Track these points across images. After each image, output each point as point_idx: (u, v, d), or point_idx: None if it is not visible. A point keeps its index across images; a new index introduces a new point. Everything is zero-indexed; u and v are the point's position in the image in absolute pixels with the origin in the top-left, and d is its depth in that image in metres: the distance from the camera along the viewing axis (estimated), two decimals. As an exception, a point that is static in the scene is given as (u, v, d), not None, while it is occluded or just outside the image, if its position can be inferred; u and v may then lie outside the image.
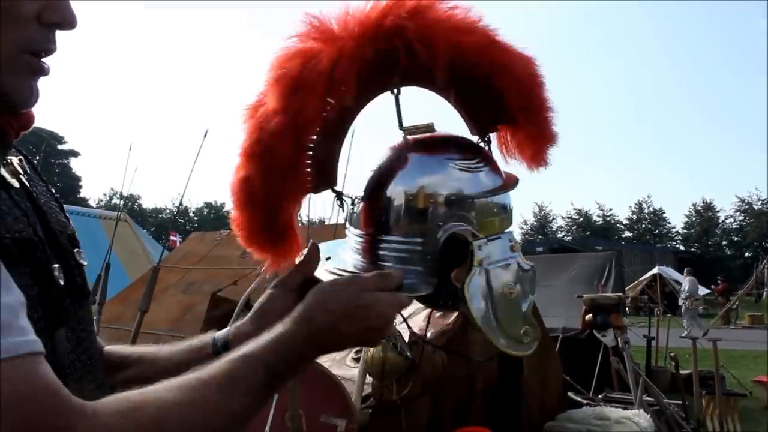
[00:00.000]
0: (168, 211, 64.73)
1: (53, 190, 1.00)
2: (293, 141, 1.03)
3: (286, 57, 1.02)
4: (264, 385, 0.87)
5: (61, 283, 0.83)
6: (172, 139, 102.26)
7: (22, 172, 0.90)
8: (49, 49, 0.85)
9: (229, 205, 1.12)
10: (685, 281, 19.36)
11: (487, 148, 1.15)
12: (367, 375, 3.14)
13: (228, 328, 1.11)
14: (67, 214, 1.00)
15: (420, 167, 1.05)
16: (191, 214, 67.08)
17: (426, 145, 1.08)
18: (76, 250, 0.93)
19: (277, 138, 1.02)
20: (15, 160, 0.89)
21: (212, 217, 65.31)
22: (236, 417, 0.85)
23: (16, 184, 0.85)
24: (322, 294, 0.96)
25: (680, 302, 19.27)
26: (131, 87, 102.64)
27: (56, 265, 0.83)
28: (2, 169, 0.83)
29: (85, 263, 0.93)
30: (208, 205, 69.10)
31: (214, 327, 1.16)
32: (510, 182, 1.12)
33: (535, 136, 1.13)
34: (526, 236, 59.51)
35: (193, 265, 5.69)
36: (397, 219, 1.05)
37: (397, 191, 1.05)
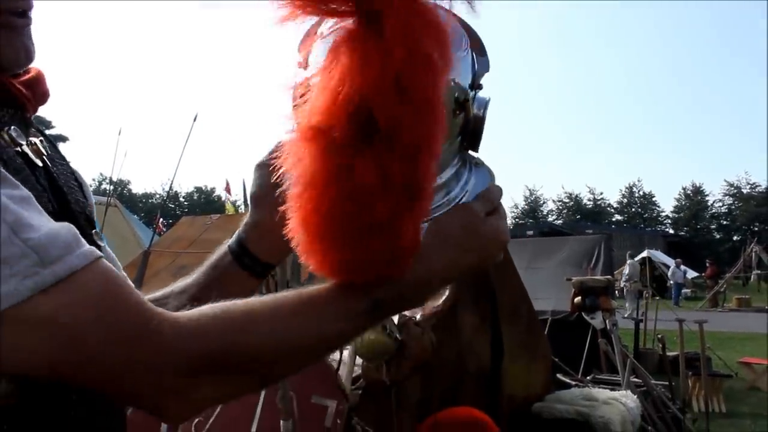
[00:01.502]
0: (158, 195, 64.48)
1: (74, 169, 1.00)
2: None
3: None
4: (367, 312, 0.80)
5: None
6: (161, 123, 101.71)
7: (44, 153, 0.89)
8: (17, 5, 0.82)
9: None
10: (627, 265, 19.68)
11: None
12: (357, 356, 3.18)
13: (241, 227, 1.04)
14: (87, 194, 1.00)
15: None
16: (181, 199, 66.89)
17: None
18: (93, 231, 0.93)
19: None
20: (36, 141, 0.88)
21: (203, 202, 65.17)
22: (331, 339, 0.80)
23: (40, 164, 0.85)
24: (437, 224, 0.85)
25: (622, 284, 19.52)
26: (120, 71, 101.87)
27: None
28: (26, 147, 0.83)
29: (102, 244, 0.92)
30: (198, 189, 68.90)
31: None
32: None
33: None
34: (517, 219, 59.74)
35: (184, 250, 5.70)
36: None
37: None
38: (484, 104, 0.92)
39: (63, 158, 0.97)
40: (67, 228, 0.69)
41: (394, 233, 0.74)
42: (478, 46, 0.93)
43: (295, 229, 0.77)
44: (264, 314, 0.76)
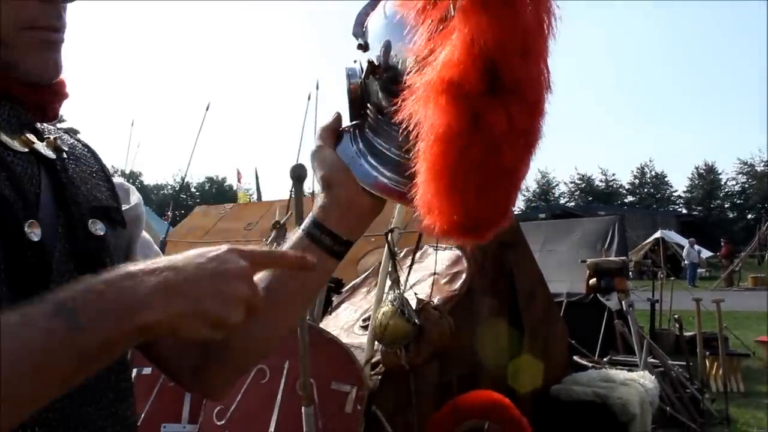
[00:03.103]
0: (170, 186, 64.71)
1: (106, 167, 1.05)
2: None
3: None
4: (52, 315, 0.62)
5: (34, 239, 0.81)
6: (169, 114, 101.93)
7: (65, 149, 0.94)
8: (52, 24, 0.86)
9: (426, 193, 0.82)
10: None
11: None
12: (376, 342, 3.18)
13: (315, 209, 1.03)
14: (125, 196, 1.05)
15: None
16: (193, 189, 67.15)
17: None
18: (91, 220, 0.94)
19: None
20: (51, 137, 0.94)
21: (214, 192, 65.39)
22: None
23: (24, 149, 0.88)
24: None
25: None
26: (130, 63, 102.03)
27: (29, 222, 0.81)
28: (4, 136, 0.86)
29: (100, 233, 0.93)
30: (210, 179, 69.12)
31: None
32: None
33: None
34: (529, 202, 59.55)
35: (199, 239, 5.72)
36: None
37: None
38: None
39: (96, 160, 1.03)
40: None
41: (515, 181, 0.83)
42: None
43: (423, 184, 0.82)
44: None
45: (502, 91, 0.76)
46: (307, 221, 1.03)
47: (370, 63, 0.92)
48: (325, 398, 3.02)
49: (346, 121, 1.03)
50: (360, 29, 0.97)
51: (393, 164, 0.95)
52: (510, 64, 0.75)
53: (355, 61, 0.98)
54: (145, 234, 1.11)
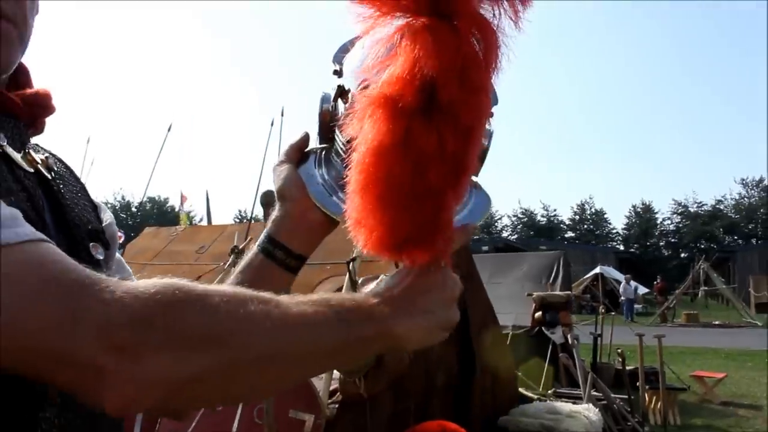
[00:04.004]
0: (109, 205, 63.11)
1: (88, 192, 1.04)
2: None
3: None
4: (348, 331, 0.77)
5: None
6: (117, 131, 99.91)
7: (55, 169, 0.94)
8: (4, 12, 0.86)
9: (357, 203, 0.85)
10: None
11: None
12: (335, 370, 3.18)
13: (268, 225, 1.07)
14: (101, 215, 1.04)
15: None
16: (133, 209, 65.70)
17: None
18: (92, 244, 0.95)
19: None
20: (42, 157, 0.93)
21: (155, 213, 64.10)
22: (326, 352, 0.76)
23: (30, 170, 0.88)
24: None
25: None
26: (80, 78, 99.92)
27: None
28: (9, 150, 0.86)
29: (100, 257, 0.94)
30: (151, 199, 67.78)
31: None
32: None
33: None
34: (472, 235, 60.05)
35: (149, 261, 5.62)
36: None
37: None
38: (490, 135, 1.02)
39: (77, 180, 1.03)
40: (9, 210, 0.67)
41: (441, 202, 0.84)
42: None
43: (352, 195, 0.84)
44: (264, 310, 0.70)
45: (437, 112, 0.79)
46: (262, 236, 1.06)
47: (340, 87, 0.98)
48: (283, 426, 3.00)
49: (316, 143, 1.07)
50: (341, 56, 1.02)
51: None
52: (447, 86, 0.78)
53: (332, 88, 1.02)
54: (118, 254, 1.11)
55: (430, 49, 0.77)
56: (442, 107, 0.79)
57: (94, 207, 1.03)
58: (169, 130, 3.76)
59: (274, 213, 1.06)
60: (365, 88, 0.84)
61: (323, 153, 1.05)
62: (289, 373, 0.77)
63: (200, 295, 0.66)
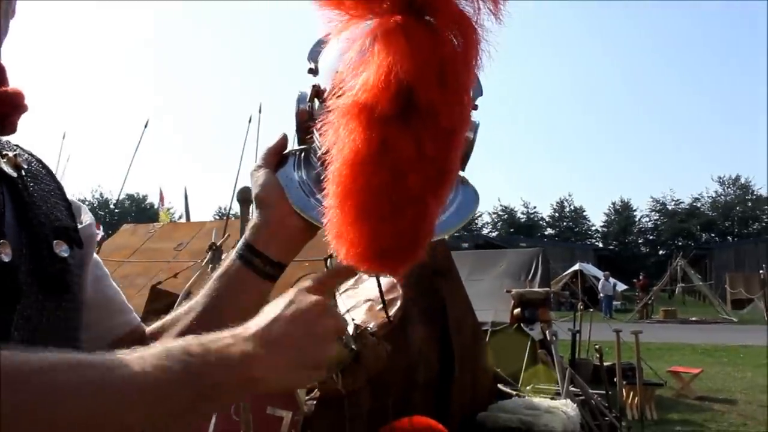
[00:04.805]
0: (87, 202, 62.52)
1: (64, 191, 1.02)
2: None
3: None
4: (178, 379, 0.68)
5: (5, 260, 0.80)
6: (95, 127, 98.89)
7: (25, 167, 0.92)
8: None
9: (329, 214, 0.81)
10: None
11: None
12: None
13: (246, 231, 1.03)
14: (81, 216, 1.02)
15: None
16: (111, 206, 65.10)
17: None
18: (56, 241, 0.93)
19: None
20: (11, 154, 0.91)
21: (134, 210, 63.60)
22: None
23: (14, 174, 0.87)
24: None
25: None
26: (57, 74, 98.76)
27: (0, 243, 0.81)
28: None
29: (64, 255, 0.92)
30: (130, 196, 67.20)
31: (154, 319, 1.08)
32: None
33: None
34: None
35: (127, 258, 5.57)
36: None
37: None
38: (476, 127, 0.99)
39: (53, 179, 1.00)
40: None
41: (421, 210, 0.80)
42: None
43: (331, 209, 0.81)
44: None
45: (415, 116, 0.76)
46: (240, 243, 1.03)
47: (315, 87, 0.94)
48: (261, 423, 2.99)
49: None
50: (316, 54, 0.98)
51: None
52: (425, 90, 0.75)
53: (309, 87, 0.98)
54: (95, 255, 1.09)
55: (405, 52, 0.74)
56: (420, 111, 0.76)
57: (69, 206, 1.00)
58: (145, 126, 3.74)
59: (253, 219, 1.04)
60: (339, 96, 0.80)
61: (302, 154, 1.02)
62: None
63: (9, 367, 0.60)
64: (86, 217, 1.05)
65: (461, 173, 1.01)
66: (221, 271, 1.03)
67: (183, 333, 0.95)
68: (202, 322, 0.94)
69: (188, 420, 0.69)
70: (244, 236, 1.04)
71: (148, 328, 1.08)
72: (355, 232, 0.80)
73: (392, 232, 0.79)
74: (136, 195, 66.82)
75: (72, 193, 1.05)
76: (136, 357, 0.67)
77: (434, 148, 0.77)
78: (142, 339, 1.04)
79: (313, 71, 0.97)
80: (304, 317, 0.75)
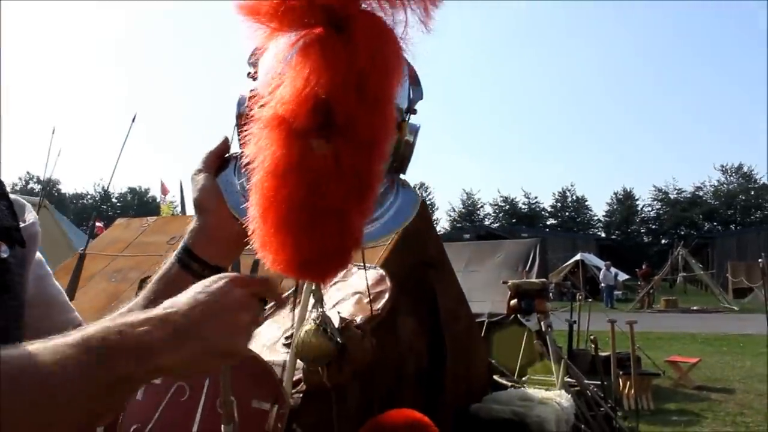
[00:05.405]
0: (90, 196, 62.70)
1: (3, 184, 1.00)
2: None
3: None
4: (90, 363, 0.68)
5: None
6: (95, 120, 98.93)
7: None
8: None
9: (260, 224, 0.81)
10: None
11: None
12: (298, 360, 3.17)
13: (186, 235, 1.04)
14: (24, 215, 1.01)
15: None
16: (114, 200, 65.22)
17: None
18: None
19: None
20: None
21: (136, 203, 63.70)
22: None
23: None
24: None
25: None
26: (42, 68, 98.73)
27: None
28: None
29: (3, 256, 0.91)
30: (132, 190, 67.32)
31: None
32: None
33: None
34: (455, 222, 60.44)
35: (120, 252, 5.57)
36: None
37: None
38: (416, 131, 0.98)
39: None
40: None
41: (343, 221, 0.80)
42: (413, 76, 0.99)
43: (255, 219, 0.81)
44: None
45: (334, 130, 0.76)
46: (179, 246, 1.03)
47: (252, 91, 0.94)
48: (246, 416, 2.98)
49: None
50: (255, 58, 0.98)
51: None
52: (342, 104, 0.75)
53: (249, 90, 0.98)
54: (38, 253, 1.08)
55: (321, 66, 0.75)
56: (338, 125, 0.76)
57: (10, 205, 0.99)
58: (133, 120, 3.72)
59: (192, 223, 1.04)
60: (262, 106, 0.81)
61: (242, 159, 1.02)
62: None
63: None
64: (29, 216, 1.04)
65: (402, 176, 1.01)
66: (161, 273, 1.03)
67: None
68: None
69: (98, 410, 0.70)
70: (183, 239, 1.03)
71: None
72: (278, 243, 0.80)
73: (314, 243, 0.80)
74: (138, 188, 66.98)
75: (74, 187, 1.04)
76: (50, 352, 0.67)
77: (354, 161, 0.78)
78: None
79: (252, 75, 0.97)
80: (221, 307, 0.76)
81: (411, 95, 0.97)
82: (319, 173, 0.77)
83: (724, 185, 59.78)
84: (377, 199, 0.92)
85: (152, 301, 1.00)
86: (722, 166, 60.43)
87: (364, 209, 0.83)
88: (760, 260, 11.81)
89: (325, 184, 0.77)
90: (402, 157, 0.97)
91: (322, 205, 0.78)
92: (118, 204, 64.51)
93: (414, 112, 0.97)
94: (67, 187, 65.50)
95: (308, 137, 0.76)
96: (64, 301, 1.09)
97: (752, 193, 57.73)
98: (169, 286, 1.00)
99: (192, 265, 1.00)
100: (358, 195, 0.80)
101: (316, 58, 0.75)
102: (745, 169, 58.90)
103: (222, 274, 0.81)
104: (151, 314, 0.74)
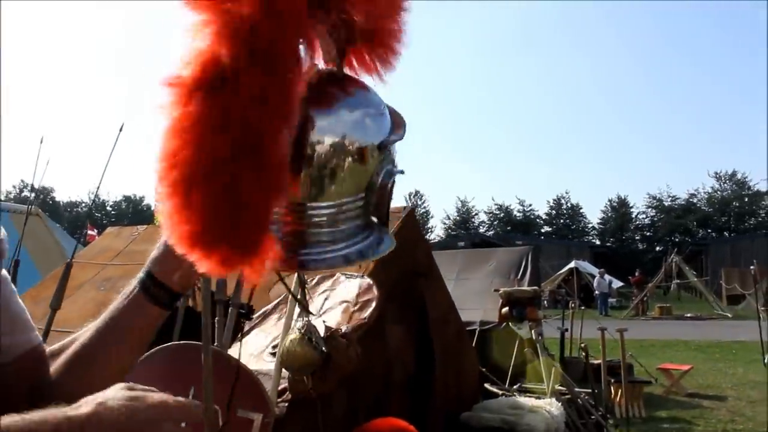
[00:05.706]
0: (84, 204, 62.56)
1: None
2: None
3: None
4: None
5: None
6: (88, 129, 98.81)
7: None
8: None
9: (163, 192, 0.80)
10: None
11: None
12: (284, 369, 3.17)
13: (148, 260, 1.05)
14: None
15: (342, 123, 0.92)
16: (108, 208, 65.11)
17: (321, 101, 0.91)
18: None
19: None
20: None
21: (131, 211, 63.59)
22: None
23: None
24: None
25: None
26: (40, 78, 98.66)
27: None
28: None
29: None
30: (127, 198, 67.21)
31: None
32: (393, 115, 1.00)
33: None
34: (449, 230, 60.46)
35: (110, 261, 5.56)
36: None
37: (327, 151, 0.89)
38: (391, 173, 0.95)
39: None
40: None
41: (235, 185, 0.76)
42: (398, 121, 0.98)
43: (158, 186, 0.79)
44: None
45: (225, 84, 0.76)
46: (143, 268, 1.04)
47: None
48: (231, 426, 2.98)
49: None
50: None
51: None
52: (231, 57, 0.75)
53: None
54: (3, 271, 1.09)
55: (210, 20, 0.76)
56: (229, 79, 0.75)
57: None
58: (120, 130, 3.71)
59: (155, 249, 1.05)
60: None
61: None
62: None
63: None
64: None
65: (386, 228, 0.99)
66: (125, 292, 1.06)
67: (80, 350, 1.02)
68: (98, 340, 1.01)
69: None
70: (146, 264, 1.05)
71: (49, 348, 1.09)
72: (172, 208, 0.77)
73: (205, 208, 0.76)
74: (133, 196, 66.85)
75: (69, 195, 1.04)
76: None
77: (242, 113, 0.76)
78: (41, 358, 1.05)
79: None
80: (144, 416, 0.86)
81: (388, 133, 0.95)
82: (206, 124, 0.75)
83: (718, 192, 59.97)
84: (351, 234, 0.91)
85: (113, 319, 1.03)
86: (716, 173, 60.70)
87: (265, 179, 0.78)
88: (752, 267, 11.85)
89: (211, 135, 0.75)
90: (373, 194, 0.94)
91: (209, 163, 0.75)
92: (113, 212, 64.40)
93: (386, 149, 0.94)
94: (62, 195, 65.46)
95: (200, 93, 0.76)
96: (26, 320, 1.10)
97: (746, 200, 57.89)
98: (130, 306, 1.03)
99: (152, 289, 1.03)
100: (247, 151, 0.76)
101: (207, 14, 0.76)
102: (739, 176, 59.17)
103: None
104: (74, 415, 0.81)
